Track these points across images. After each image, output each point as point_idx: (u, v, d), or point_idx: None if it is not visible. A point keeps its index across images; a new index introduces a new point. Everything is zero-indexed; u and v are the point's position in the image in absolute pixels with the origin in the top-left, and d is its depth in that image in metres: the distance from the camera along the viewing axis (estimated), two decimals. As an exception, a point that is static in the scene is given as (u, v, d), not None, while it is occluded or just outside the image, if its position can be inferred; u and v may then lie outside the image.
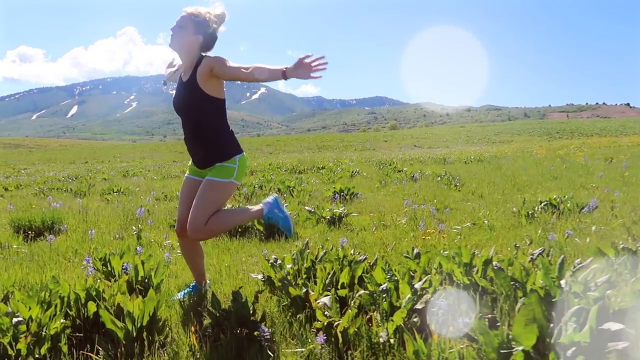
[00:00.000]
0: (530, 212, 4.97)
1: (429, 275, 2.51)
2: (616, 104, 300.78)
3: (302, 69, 2.34)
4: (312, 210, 5.42)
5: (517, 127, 75.62)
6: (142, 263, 2.93)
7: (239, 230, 4.81)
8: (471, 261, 2.76)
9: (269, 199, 2.92)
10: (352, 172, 10.91)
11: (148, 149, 61.14)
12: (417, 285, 2.40)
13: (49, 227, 5.09)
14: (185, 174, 2.88)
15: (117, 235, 4.85)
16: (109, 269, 3.09)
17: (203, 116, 2.66)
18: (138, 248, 3.44)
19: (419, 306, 2.30)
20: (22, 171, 22.21)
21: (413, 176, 9.41)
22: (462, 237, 4.32)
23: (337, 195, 7.06)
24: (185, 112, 2.69)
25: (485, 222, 4.84)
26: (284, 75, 2.39)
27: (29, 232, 4.91)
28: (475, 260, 2.76)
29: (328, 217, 5.17)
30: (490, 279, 2.61)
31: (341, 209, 5.28)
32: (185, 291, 2.96)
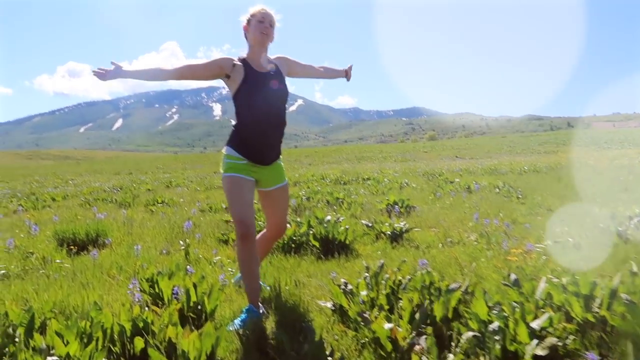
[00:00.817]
0: (622, 229, 4.35)
1: (545, 312, 2.02)
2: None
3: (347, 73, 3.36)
4: (370, 225, 4.97)
5: (561, 137, 72.70)
6: (195, 286, 2.56)
7: (292, 245, 4.42)
8: (592, 292, 2.24)
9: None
10: (401, 183, 10.39)
11: (189, 160, 62.27)
12: (535, 325, 1.92)
13: (93, 240, 4.85)
14: (239, 175, 2.70)
15: (163, 250, 4.55)
16: (157, 291, 2.74)
17: (284, 110, 2.84)
18: (188, 267, 3.08)
19: (540, 352, 1.82)
20: (70, 182, 22.76)
21: (468, 188, 8.81)
22: (548, 258, 3.77)
23: (391, 208, 6.59)
24: (280, 105, 2.80)
25: (569, 239, 4.26)
26: (342, 74, 3.35)
27: (73, 245, 4.68)
28: (597, 291, 2.24)
29: (388, 232, 4.70)
30: (622, 315, 2.09)
31: (402, 224, 4.80)
32: (242, 318, 2.52)
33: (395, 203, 6.67)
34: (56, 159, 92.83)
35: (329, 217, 4.76)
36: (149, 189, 13.83)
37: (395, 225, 4.75)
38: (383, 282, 2.55)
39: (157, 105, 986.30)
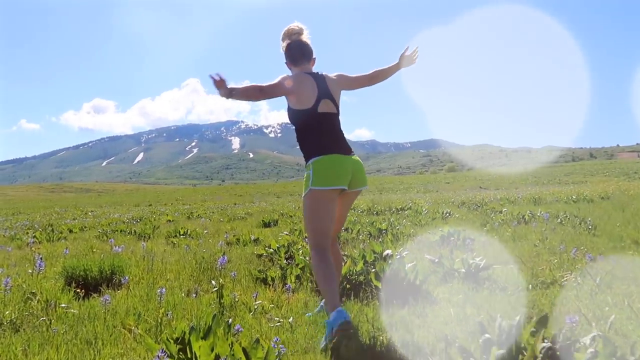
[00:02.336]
0: None
1: None
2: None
3: (407, 60, 3.04)
4: (436, 260, 4.12)
5: (587, 168, 70.88)
6: (245, 353, 1.76)
7: (347, 285, 3.60)
8: None
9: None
10: (442, 213, 9.50)
11: (208, 192, 62.17)
12: None
13: (107, 277, 4.09)
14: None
15: (191, 292, 3.76)
16: (189, 356, 1.94)
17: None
18: (230, 321, 2.28)
19: None
20: (89, 213, 22.32)
21: (523, 217, 7.89)
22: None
23: (446, 239, 5.74)
24: (337, 112, 2.95)
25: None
26: (398, 67, 3.06)
27: (83, 284, 3.93)
28: None
29: (462, 269, 3.85)
30: None
31: (478, 259, 3.94)
32: (326, 334, 2.41)
33: (451, 234, 5.82)
34: (78, 192, 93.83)
35: (389, 252, 3.94)
36: (169, 220, 13.16)
37: (470, 260, 3.90)
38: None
39: (177, 139, 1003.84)
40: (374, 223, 7.17)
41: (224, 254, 3.67)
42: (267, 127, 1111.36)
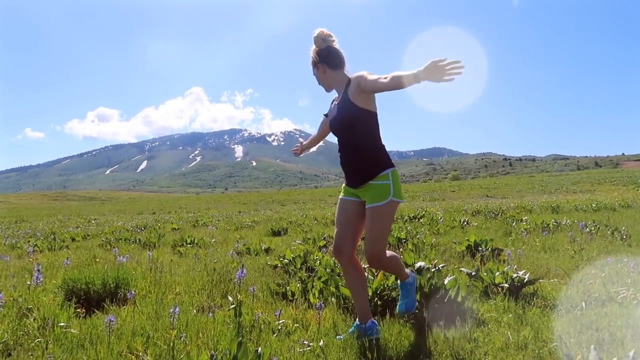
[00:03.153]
0: None
1: None
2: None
3: (435, 71, 2.15)
4: (474, 274, 3.74)
5: (594, 176, 70.14)
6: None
7: (379, 302, 3.21)
8: None
9: (413, 275, 2.94)
10: (461, 221, 9.10)
11: (212, 200, 61.84)
12: None
13: (111, 291, 3.72)
14: (340, 197, 2.86)
15: (204, 307, 3.39)
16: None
17: (356, 131, 2.66)
18: (258, 350, 1.90)
19: None
20: (92, 221, 22.00)
21: (547, 226, 7.49)
22: None
23: (474, 250, 5.35)
24: (342, 132, 2.72)
25: None
26: (417, 78, 2.21)
27: (84, 300, 3.56)
28: None
29: (504, 284, 3.46)
30: None
31: (521, 272, 3.55)
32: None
33: (478, 244, 5.44)
34: (81, 200, 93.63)
35: (422, 264, 3.57)
36: (174, 228, 12.80)
37: (512, 274, 3.51)
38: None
39: (180, 148, 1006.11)
40: (393, 232, 6.79)
41: (242, 266, 3.28)
42: (270, 136, 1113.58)
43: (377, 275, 3.33)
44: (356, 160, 2.68)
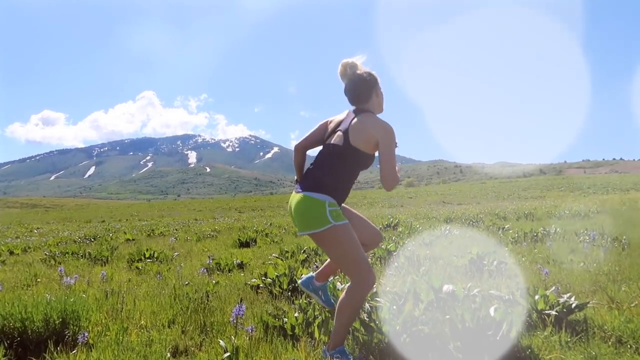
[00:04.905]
0: None
1: None
2: (634, 159, 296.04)
3: None
4: (506, 298, 3.13)
5: (542, 183, 72.77)
6: None
7: (407, 339, 2.55)
8: None
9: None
10: (442, 230, 8.60)
11: (165, 207, 59.68)
12: None
13: (55, 330, 2.87)
14: (346, 221, 2.51)
15: (179, 348, 2.61)
16: None
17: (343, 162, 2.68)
18: None
19: None
20: (35, 231, 20.29)
21: (536, 235, 7.08)
22: None
23: (478, 264, 4.80)
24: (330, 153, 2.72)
25: None
26: None
27: (18, 343, 2.70)
28: None
29: (552, 311, 2.88)
30: None
31: (566, 296, 2.98)
32: None
33: (481, 257, 4.89)
34: (23, 207, 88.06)
35: (450, 287, 2.93)
36: (129, 239, 11.68)
37: (559, 299, 2.94)
38: None
39: (131, 153, 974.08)
40: (381, 244, 6.16)
41: (241, 301, 2.53)
42: (224, 142, 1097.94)
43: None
44: (321, 172, 2.63)
